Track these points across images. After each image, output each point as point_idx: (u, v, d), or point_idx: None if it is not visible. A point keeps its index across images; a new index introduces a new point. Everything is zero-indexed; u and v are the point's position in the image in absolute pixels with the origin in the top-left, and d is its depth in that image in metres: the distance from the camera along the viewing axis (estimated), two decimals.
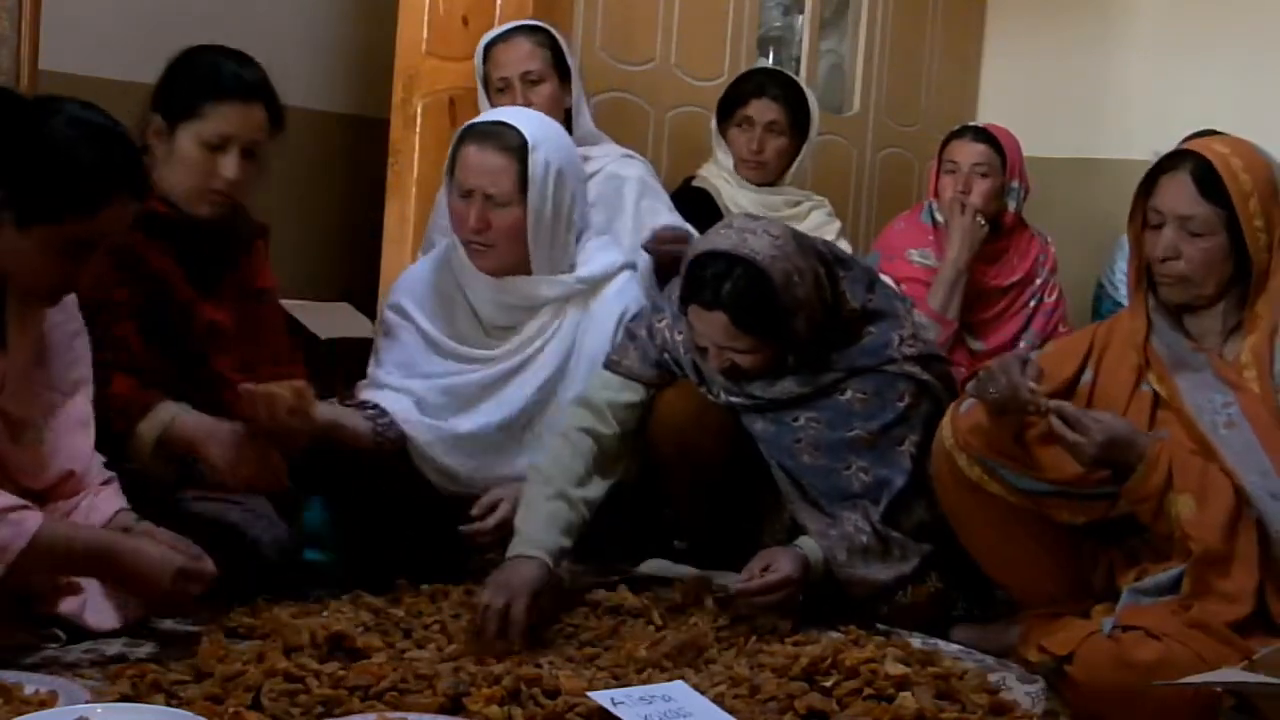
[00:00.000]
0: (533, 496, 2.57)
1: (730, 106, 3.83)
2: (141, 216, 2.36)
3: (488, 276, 2.82)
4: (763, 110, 3.77)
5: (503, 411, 2.80)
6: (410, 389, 2.78)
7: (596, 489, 2.63)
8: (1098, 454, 2.27)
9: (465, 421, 2.78)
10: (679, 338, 2.74)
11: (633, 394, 2.73)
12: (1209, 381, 2.39)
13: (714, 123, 3.86)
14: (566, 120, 3.40)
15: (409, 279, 2.96)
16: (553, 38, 3.43)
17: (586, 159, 3.35)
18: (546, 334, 2.84)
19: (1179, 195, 2.40)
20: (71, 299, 2.27)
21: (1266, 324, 2.39)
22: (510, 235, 2.77)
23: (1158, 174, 2.44)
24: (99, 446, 2.31)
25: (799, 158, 3.83)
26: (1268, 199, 2.39)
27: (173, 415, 2.44)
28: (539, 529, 2.50)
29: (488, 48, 3.45)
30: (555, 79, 3.39)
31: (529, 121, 2.81)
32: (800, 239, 2.65)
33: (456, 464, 2.75)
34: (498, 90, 3.41)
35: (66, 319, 2.28)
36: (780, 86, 3.81)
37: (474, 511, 2.68)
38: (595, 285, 2.88)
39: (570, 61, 3.43)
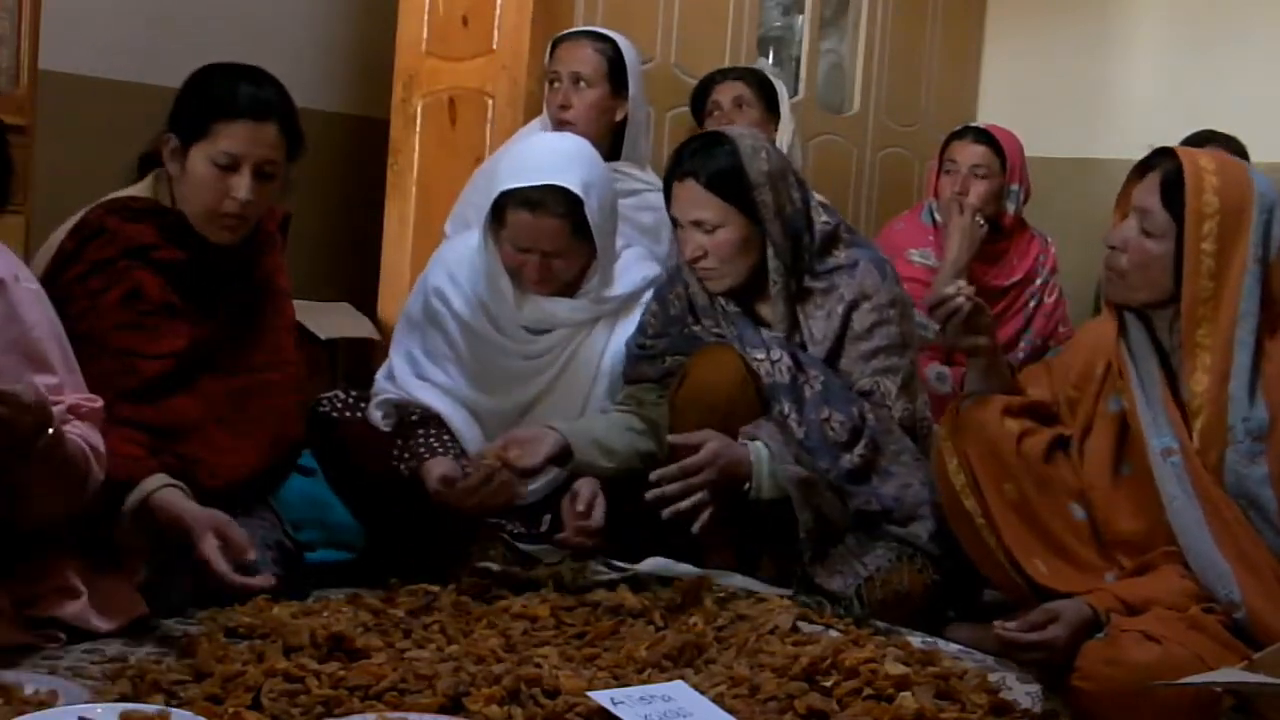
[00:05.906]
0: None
1: (700, 102, 3.84)
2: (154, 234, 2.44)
3: (515, 294, 2.85)
4: (725, 90, 3.78)
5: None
6: (454, 393, 2.85)
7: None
8: (1068, 644, 2.27)
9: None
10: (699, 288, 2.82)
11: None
12: (1159, 419, 2.37)
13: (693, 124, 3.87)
14: (615, 133, 3.43)
15: (450, 259, 2.94)
16: (617, 49, 3.45)
17: (625, 175, 3.36)
18: (577, 340, 2.88)
19: (1146, 190, 2.38)
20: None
21: (1220, 364, 2.32)
22: (568, 270, 2.83)
23: (1148, 167, 2.43)
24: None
25: (779, 136, 3.77)
26: (1230, 228, 2.31)
27: (157, 485, 2.30)
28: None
29: (555, 43, 3.51)
30: (606, 87, 3.42)
31: (566, 169, 2.76)
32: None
33: None
34: (550, 84, 3.47)
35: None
36: (739, 72, 3.87)
37: (580, 507, 2.67)
38: (626, 302, 2.92)
39: (630, 78, 3.44)
